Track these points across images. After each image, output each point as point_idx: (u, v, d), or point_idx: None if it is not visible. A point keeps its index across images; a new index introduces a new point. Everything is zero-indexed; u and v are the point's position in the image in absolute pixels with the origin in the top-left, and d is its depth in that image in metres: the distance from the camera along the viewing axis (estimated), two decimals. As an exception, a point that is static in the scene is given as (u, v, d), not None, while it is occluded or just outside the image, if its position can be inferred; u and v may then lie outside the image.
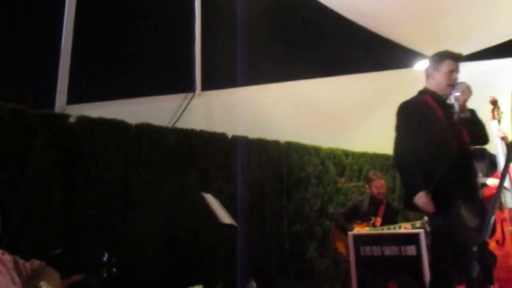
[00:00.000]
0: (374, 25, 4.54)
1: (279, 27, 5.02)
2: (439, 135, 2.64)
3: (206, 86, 4.97)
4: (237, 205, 4.36)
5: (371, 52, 5.07)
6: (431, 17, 4.30)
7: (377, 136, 5.39)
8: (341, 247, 4.40)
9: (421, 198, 2.55)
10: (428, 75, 2.84)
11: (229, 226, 3.60)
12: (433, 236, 2.78)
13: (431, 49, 5.14)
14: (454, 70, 2.72)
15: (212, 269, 4.09)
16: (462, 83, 2.62)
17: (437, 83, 2.76)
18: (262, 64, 4.90)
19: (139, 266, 3.70)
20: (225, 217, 3.63)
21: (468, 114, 2.59)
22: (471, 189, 2.67)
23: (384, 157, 5.65)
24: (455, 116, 2.51)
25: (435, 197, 2.55)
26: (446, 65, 2.72)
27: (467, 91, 2.57)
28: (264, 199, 4.68)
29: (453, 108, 2.54)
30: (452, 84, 2.66)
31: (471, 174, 2.71)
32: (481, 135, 2.76)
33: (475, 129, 2.69)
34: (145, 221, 3.84)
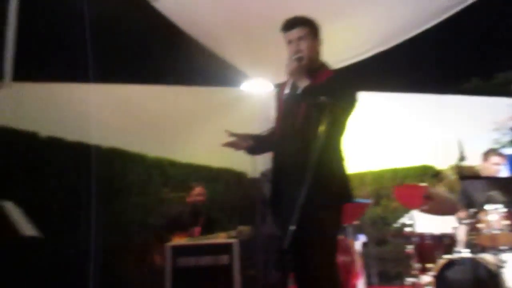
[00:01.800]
0: (207, 40, 4.69)
1: (113, 25, 4.75)
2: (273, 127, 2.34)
3: (18, 76, 4.32)
4: (45, 214, 3.90)
5: (204, 66, 5.22)
6: (261, 41, 4.64)
7: (203, 148, 5.57)
8: (158, 259, 4.32)
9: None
10: None
11: (31, 238, 3.18)
12: None
13: (257, 72, 5.62)
14: (291, 41, 2.23)
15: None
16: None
17: None
18: (88, 61, 4.54)
19: None
20: (27, 229, 3.19)
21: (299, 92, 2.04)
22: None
23: (208, 168, 5.86)
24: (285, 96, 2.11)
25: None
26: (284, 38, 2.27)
27: (290, 61, 2.12)
28: (79, 208, 4.30)
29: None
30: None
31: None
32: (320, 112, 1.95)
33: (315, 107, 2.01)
34: None
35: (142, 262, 4.66)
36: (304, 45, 2.19)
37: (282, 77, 2.27)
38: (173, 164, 5.44)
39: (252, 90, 5.40)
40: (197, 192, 4.56)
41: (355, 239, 4.70)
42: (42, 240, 3.35)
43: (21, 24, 4.29)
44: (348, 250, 4.22)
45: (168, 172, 5.36)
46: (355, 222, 4.61)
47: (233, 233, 4.03)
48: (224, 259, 3.45)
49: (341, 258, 3.87)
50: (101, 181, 4.55)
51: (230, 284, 3.35)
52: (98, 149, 4.61)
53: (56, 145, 4.25)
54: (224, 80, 5.28)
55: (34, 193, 3.96)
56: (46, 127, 4.19)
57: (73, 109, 4.43)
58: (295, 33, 2.21)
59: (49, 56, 4.29)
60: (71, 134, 4.35)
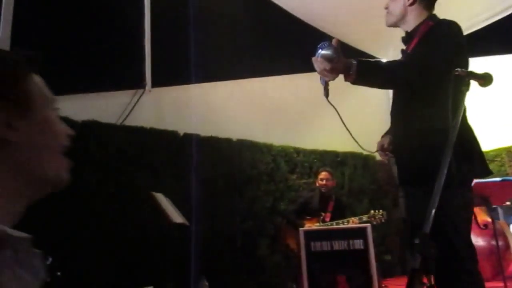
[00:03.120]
0: (323, 26, 4.64)
1: (231, 24, 5.01)
2: None
3: (156, 82, 4.86)
4: (188, 203, 4.32)
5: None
6: (379, 21, 4.44)
7: (327, 134, 5.53)
8: (292, 243, 4.46)
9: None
10: None
11: (180, 225, 3.55)
12: None
13: (377, 51, 5.37)
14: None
15: (163, 269, 4.01)
16: None
17: None
18: (214, 61, 4.87)
19: (86, 267, 3.55)
20: (176, 216, 3.57)
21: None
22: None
23: (334, 154, 5.81)
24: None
25: None
26: None
27: (316, 62, 1.73)
28: (216, 197, 4.66)
29: None
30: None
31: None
32: None
33: None
34: (92, 221, 3.70)
35: (277, 246, 4.87)
36: (393, 6, 2.03)
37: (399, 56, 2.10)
38: (298, 152, 5.53)
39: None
40: (323, 177, 4.57)
41: (508, 221, 4.20)
42: (187, 226, 3.71)
43: (153, 35, 4.79)
44: (500, 234, 3.79)
45: (294, 160, 5.47)
46: (507, 203, 4.11)
47: (365, 217, 3.95)
48: (358, 243, 3.41)
49: (491, 242, 3.51)
50: (234, 171, 4.87)
51: (367, 269, 3.30)
52: (228, 142, 4.94)
53: (191, 140, 4.65)
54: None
55: (176, 185, 4.39)
56: (183, 126, 4.62)
57: (204, 107, 4.81)
58: None
59: (180, 61, 4.71)
60: (204, 130, 4.72)
